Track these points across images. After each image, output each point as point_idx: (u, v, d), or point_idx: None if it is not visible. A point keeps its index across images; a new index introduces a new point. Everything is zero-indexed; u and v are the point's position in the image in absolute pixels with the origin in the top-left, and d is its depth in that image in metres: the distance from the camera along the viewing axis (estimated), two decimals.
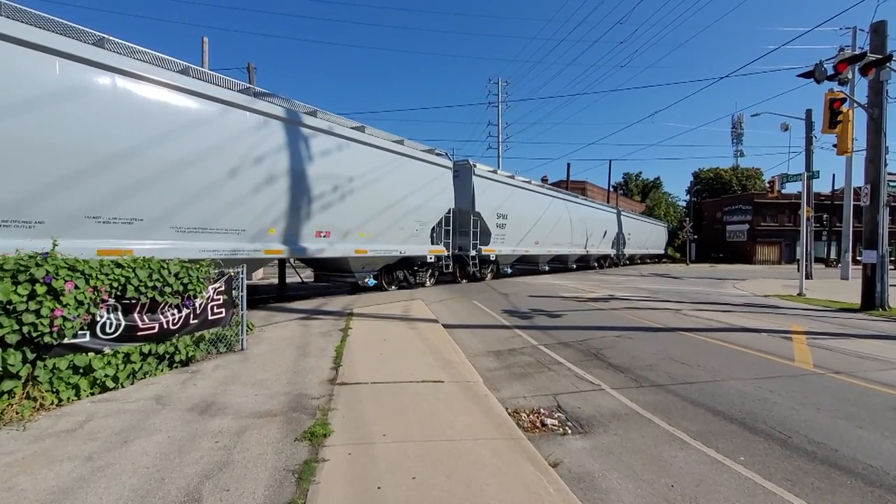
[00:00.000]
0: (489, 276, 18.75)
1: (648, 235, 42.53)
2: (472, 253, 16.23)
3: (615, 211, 33.29)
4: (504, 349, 6.74)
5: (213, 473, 2.86)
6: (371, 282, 12.75)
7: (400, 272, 14.15)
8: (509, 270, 20.66)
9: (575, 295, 14.09)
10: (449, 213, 15.04)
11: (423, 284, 15.13)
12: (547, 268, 24.64)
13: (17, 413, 3.69)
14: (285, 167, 9.34)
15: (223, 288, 5.90)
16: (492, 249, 17.27)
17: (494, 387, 4.92)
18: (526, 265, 23.21)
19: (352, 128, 11.36)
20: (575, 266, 29.07)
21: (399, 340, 6.86)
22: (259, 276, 19.36)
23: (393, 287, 14.02)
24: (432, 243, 14.53)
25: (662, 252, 50.21)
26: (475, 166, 16.41)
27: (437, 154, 14.68)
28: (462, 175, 16.09)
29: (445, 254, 15.19)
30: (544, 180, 36.91)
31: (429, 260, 14.57)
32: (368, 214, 11.65)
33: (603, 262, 31.93)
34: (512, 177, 19.30)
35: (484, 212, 16.51)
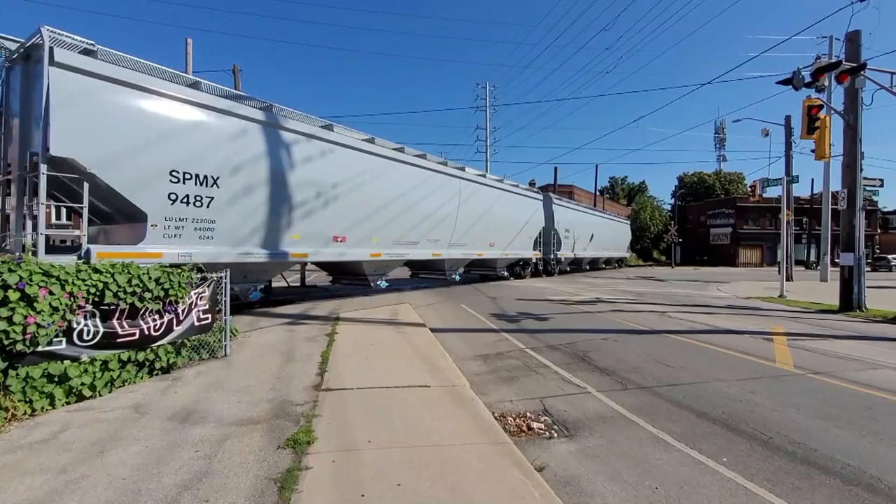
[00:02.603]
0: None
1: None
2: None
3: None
4: (491, 353, 6.73)
5: (193, 484, 2.79)
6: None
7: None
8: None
9: (562, 298, 14.19)
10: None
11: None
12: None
13: None
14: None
15: (206, 293, 5.80)
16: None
17: (481, 391, 4.90)
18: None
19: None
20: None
21: (386, 345, 6.81)
22: None
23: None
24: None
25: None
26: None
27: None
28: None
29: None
30: (531, 184, 37.70)
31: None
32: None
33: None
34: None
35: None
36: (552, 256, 23.66)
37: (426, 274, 17.50)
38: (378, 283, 13.06)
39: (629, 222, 43.21)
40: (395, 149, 12.85)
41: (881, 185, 15.34)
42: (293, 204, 9.55)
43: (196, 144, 7.79)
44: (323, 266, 13.40)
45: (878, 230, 55.47)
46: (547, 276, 24.42)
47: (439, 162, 15.04)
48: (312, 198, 9.97)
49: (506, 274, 21.06)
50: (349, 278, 13.31)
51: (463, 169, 16.18)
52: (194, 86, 8.13)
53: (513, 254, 19.83)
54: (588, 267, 32.30)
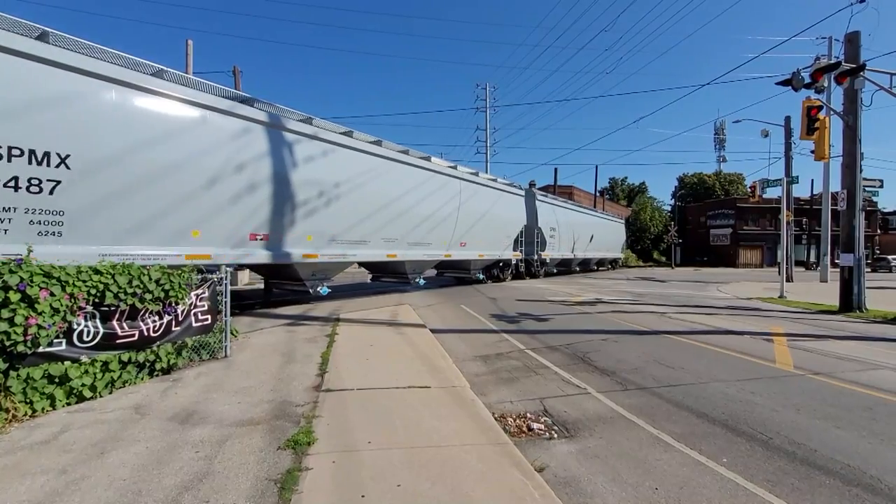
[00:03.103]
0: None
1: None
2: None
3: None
4: (491, 353, 6.74)
5: (193, 485, 2.79)
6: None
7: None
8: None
9: (562, 299, 14.19)
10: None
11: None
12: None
13: None
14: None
15: (206, 294, 5.80)
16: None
17: (481, 392, 4.91)
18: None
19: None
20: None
21: (386, 346, 6.81)
22: (245, 281, 19.10)
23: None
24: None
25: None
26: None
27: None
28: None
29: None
30: (531, 185, 37.47)
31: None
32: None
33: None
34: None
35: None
36: (535, 257, 22.07)
37: (387, 278, 15.18)
38: (318, 289, 11.32)
39: (623, 222, 41.40)
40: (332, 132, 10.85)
41: (881, 186, 15.37)
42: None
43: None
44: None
45: (878, 231, 55.50)
46: (531, 279, 22.79)
47: (400, 150, 13.09)
48: (200, 189, 8.07)
49: (481, 277, 19.06)
50: (291, 283, 11.57)
51: (429, 159, 14.36)
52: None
53: (490, 254, 18.06)
54: (578, 269, 30.58)
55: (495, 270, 19.95)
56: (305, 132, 10.23)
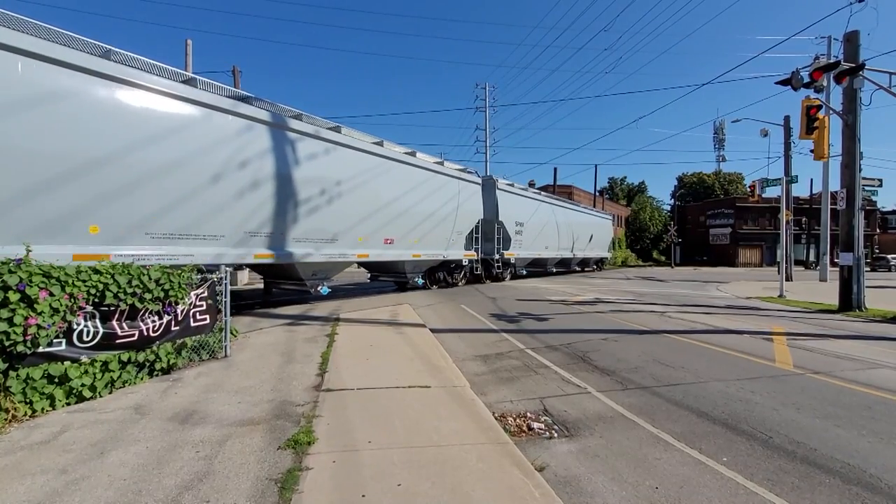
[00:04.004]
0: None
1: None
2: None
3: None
4: (491, 353, 6.74)
5: (194, 484, 2.79)
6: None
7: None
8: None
9: (562, 298, 14.19)
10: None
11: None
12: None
13: None
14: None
15: (206, 294, 5.80)
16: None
17: (481, 391, 4.91)
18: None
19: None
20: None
21: (386, 345, 6.81)
22: (245, 280, 19.11)
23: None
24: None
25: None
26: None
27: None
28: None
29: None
30: (531, 185, 37.39)
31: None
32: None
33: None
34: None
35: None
36: (497, 257, 18.81)
37: (289, 285, 11.61)
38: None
39: (612, 218, 38.05)
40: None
41: (880, 185, 15.39)
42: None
43: None
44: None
45: (877, 230, 55.59)
46: (493, 282, 19.82)
47: (292, 115, 10.14)
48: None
49: (420, 282, 15.44)
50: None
51: (338, 130, 11.17)
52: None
53: (428, 254, 14.55)
54: (554, 270, 27.07)
55: (441, 273, 16.56)
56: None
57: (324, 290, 11.50)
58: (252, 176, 8.92)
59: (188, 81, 8.20)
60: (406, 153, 13.61)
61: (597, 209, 36.94)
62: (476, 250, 17.49)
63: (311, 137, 10.32)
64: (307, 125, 10.37)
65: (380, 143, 12.51)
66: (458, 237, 16.16)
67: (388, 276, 15.26)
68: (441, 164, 15.27)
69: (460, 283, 17.69)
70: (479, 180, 17.74)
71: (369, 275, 15.91)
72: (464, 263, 17.24)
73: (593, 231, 31.07)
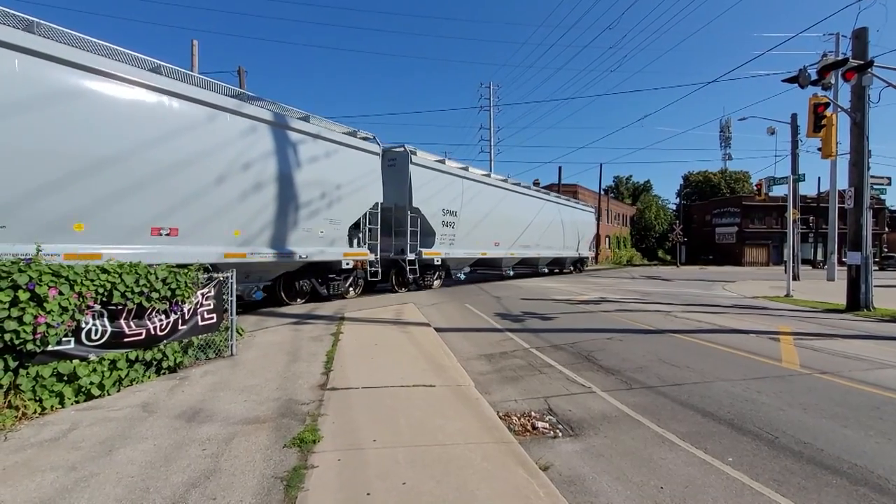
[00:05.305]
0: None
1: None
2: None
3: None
4: (496, 352, 6.74)
5: (200, 482, 2.82)
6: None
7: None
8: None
9: (566, 298, 14.16)
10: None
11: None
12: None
13: None
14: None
15: (213, 293, 5.84)
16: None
17: (486, 390, 4.91)
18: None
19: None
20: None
21: (391, 344, 6.83)
22: None
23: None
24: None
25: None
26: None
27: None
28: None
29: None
30: (536, 183, 36.72)
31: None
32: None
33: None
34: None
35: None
36: (412, 257, 13.96)
37: None
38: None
39: (594, 210, 32.48)
40: None
41: (889, 184, 15.26)
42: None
43: None
44: None
45: (886, 229, 55.03)
46: (407, 290, 14.69)
47: (300, 117, 9.40)
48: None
49: (258, 296, 9.86)
50: None
51: (157, 69, 7.74)
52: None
53: (262, 255, 9.34)
54: (511, 273, 21.68)
55: (302, 283, 11.16)
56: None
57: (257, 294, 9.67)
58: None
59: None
60: (233, 96, 9.08)
61: (576, 199, 30.82)
62: (371, 247, 12.73)
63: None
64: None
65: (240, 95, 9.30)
66: (331, 229, 11.19)
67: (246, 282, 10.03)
68: (306, 119, 10.62)
69: (350, 294, 12.77)
70: (379, 150, 12.85)
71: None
72: (346, 266, 11.99)
73: (566, 225, 25.37)
